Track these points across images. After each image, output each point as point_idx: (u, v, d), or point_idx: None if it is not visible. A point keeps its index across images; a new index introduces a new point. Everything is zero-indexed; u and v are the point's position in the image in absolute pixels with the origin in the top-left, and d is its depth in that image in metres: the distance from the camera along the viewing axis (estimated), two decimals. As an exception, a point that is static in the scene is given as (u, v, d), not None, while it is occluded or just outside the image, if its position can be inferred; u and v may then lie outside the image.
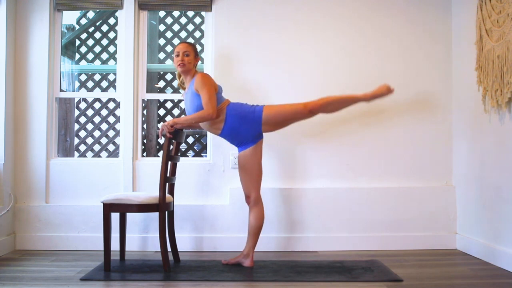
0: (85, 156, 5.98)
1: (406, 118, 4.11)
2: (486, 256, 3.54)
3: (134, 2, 4.09)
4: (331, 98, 3.44)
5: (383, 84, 3.56)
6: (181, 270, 3.29)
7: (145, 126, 5.73)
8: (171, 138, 3.29)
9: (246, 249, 3.40)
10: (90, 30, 6.03)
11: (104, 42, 5.98)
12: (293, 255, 3.79)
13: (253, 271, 3.25)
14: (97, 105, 6.04)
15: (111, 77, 6.14)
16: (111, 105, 5.99)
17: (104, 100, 6.02)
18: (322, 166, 4.06)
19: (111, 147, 5.99)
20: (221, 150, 4.03)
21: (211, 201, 4.04)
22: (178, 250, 3.57)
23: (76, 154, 6.01)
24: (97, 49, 6.02)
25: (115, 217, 3.56)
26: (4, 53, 3.85)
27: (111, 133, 6.00)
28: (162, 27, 5.97)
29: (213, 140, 4.06)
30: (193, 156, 5.96)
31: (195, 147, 6.05)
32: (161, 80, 6.08)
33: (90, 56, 6.07)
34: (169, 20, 5.92)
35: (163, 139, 3.38)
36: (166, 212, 3.38)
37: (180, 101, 5.91)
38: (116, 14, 4.46)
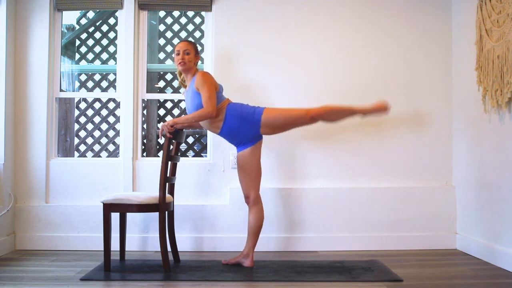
0: (85, 156, 5.98)
1: (406, 118, 4.11)
2: (486, 256, 3.54)
3: (134, 2, 4.09)
4: (333, 107, 3.42)
5: (382, 100, 3.55)
6: (181, 270, 3.29)
7: (145, 126, 5.73)
8: (171, 138, 3.29)
9: (246, 249, 3.40)
10: (90, 30, 6.03)
11: (104, 42, 5.98)
12: (293, 255, 3.79)
13: (253, 271, 3.25)
14: (97, 105, 6.04)
15: (111, 77, 6.14)
16: (111, 105, 5.99)
17: (104, 100, 6.02)
18: (322, 166, 4.06)
19: (111, 147, 5.99)
20: (221, 150, 4.03)
21: (211, 201, 4.04)
22: (178, 250, 3.57)
23: (76, 154, 6.01)
24: (97, 49, 6.02)
25: (115, 217, 3.56)
26: (4, 53, 3.85)
27: (111, 133, 6.00)
28: (162, 27, 5.96)
29: (213, 140, 4.06)
30: (193, 156, 5.96)
31: (195, 147, 6.05)
32: (161, 80, 6.08)
33: (90, 56, 6.07)
34: (169, 20, 5.92)
35: (163, 139, 3.38)
36: (166, 212, 3.38)
37: (180, 101, 5.91)
38: (116, 14, 4.46)
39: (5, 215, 3.80)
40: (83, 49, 6.08)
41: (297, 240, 3.98)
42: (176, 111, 5.99)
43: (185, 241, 3.91)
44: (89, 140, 6.07)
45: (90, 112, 6.05)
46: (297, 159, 4.06)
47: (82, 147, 6.08)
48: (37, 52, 4.03)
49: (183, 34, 5.86)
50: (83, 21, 6.26)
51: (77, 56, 6.12)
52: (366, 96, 4.09)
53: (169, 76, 6.02)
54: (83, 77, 6.25)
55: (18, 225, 3.97)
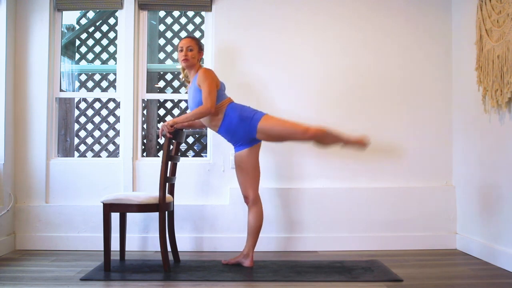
0: (85, 156, 5.98)
1: (406, 118, 4.12)
2: (486, 256, 3.54)
3: (134, 2, 4.09)
4: (329, 131, 3.31)
5: (365, 135, 3.43)
6: (181, 270, 3.29)
7: (145, 126, 5.73)
8: (171, 138, 3.29)
9: (245, 249, 3.40)
10: (90, 30, 6.03)
11: (104, 42, 5.98)
12: (293, 255, 3.79)
13: (253, 271, 3.25)
14: (97, 105, 6.04)
15: (111, 77, 6.14)
16: (111, 105, 5.99)
17: (104, 100, 6.02)
18: (322, 166, 4.06)
19: (111, 147, 5.99)
20: (221, 150, 4.03)
21: (211, 201, 4.04)
22: (178, 250, 3.57)
23: (76, 154, 6.00)
24: (97, 49, 6.02)
25: (115, 217, 3.56)
26: (4, 53, 3.86)
27: (111, 133, 5.99)
28: (162, 27, 5.96)
29: (213, 140, 4.06)
30: (193, 156, 5.96)
31: (195, 147, 6.05)
32: (161, 80, 6.07)
33: (90, 56, 6.07)
34: (169, 20, 5.91)
35: (163, 139, 3.38)
36: (166, 212, 3.38)
37: (180, 101, 5.91)
38: (116, 14, 4.46)
39: (5, 215, 3.80)
40: (83, 49, 6.08)
41: (297, 240, 3.98)
42: (176, 111, 5.99)
43: (185, 241, 3.91)
44: (89, 140, 6.06)
45: (90, 112, 6.05)
46: (297, 159, 4.06)
47: (82, 147, 6.08)
48: (37, 52, 4.03)
49: (183, 34, 5.86)
50: (83, 21, 6.26)
51: (77, 56, 6.11)
52: (366, 96, 4.11)
53: (169, 76, 6.01)
54: (83, 77, 6.25)
55: (18, 225, 3.97)
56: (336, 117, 4.07)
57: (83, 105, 6.12)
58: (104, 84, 6.11)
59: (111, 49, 5.99)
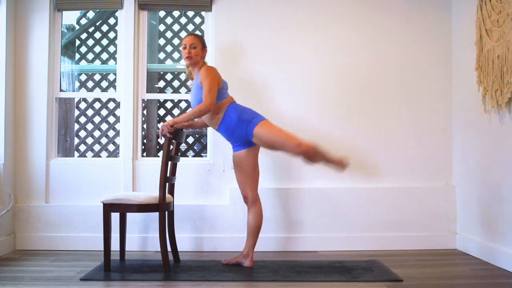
0: (85, 156, 5.98)
1: (406, 118, 4.12)
2: (486, 256, 3.54)
3: (134, 2, 4.09)
4: (319, 148, 3.27)
5: (346, 157, 3.38)
6: (181, 270, 3.29)
7: (145, 126, 5.73)
8: (171, 138, 3.29)
9: (245, 249, 3.40)
10: (90, 30, 6.03)
11: (104, 42, 5.98)
12: (293, 255, 3.79)
13: (253, 271, 3.25)
14: (97, 105, 6.04)
15: (111, 77, 6.14)
16: (111, 105, 5.99)
17: (104, 100, 6.02)
18: (322, 166, 4.04)
19: (111, 147, 5.99)
20: (221, 150, 4.03)
21: (211, 201, 4.04)
22: (178, 250, 3.57)
23: (76, 154, 6.00)
24: (97, 49, 6.02)
25: (115, 217, 3.56)
26: (4, 53, 3.85)
27: (111, 133, 5.99)
28: (162, 27, 5.96)
29: (213, 140, 4.06)
30: (193, 156, 5.96)
31: (195, 147, 6.05)
32: (161, 80, 6.08)
33: (90, 56, 6.07)
34: (169, 20, 5.91)
35: (163, 139, 3.38)
36: (166, 212, 3.38)
37: (180, 101, 5.92)
38: (116, 14, 4.46)
39: (5, 215, 3.80)
40: (83, 49, 6.08)
41: (297, 240, 3.98)
42: (176, 111, 5.99)
43: (185, 241, 3.91)
44: (89, 140, 6.06)
45: (90, 112, 6.05)
46: (297, 159, 4.05)
47: (82, 147, 6.08)
48: (37, 52, 4.03)
49: (183, 34, 5.86)
50: (83, 21, 6.26)
51: (77, 56, 6.12)
52: (366, 96, 4.10)
53: (169, 76, 6.01)
54: (83, 77, 6.25)
55: (18, 225, 3.97)
56: (336, 117, 4.08)
57: (83, 105, 6.12)
58: (104, 84, 6.12)
59: (111, 49, 5.99)
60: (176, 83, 5.93)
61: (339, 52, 4.12)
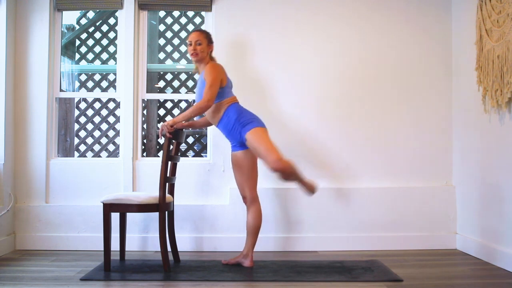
0: (85, 156, 5.98)
1: (406, 118, 4.11)
2: (486, 256, 3.54)
3: (134, 2, 4.09)
4: (295, 169, 3.21)
5: (315, 182, 3.37)
6: (181, 270, 3.29)
7: (145, 126, 5.73)
8: (171, 138, 3.29)
9: (245, 249, 3.40)
10: (90, 30, 6.03)
11: (104, 42, 5.98)
12: (293, 255, 3.79)
13: (253, 271, 3.25)
14: (97, 105, 6.04)
15: (111, 77, 6.14)
16: (111, 105, 5.99)
17: (104, 100, 6.02)
18: (322, 166, 4.05)
19: (111, 147, 5.99)
20: (221, 150, 4.03)
21: (211, 201, 4.04)
22: (178, 250, 3.57)
23: (76, 154, 6.00)
24: (97, 49, 6.02)
25: (115, 217, 3.56)
26: (4, 53, 3.85)
27: (111, 133, 6.00)
28: (162, 27, 5.96)
29: (213, 140, 4.06)
30: (193, 156, 5.96)
31: (195, 147, 6.05)
32: (161, 80, 6.08)
33: (90, 56, 6.07)
34: (169, 20, 5.91)
35: (163, 139, 3.38)
36: (166, 212, 3.38)
37: (180, 101, 5.92)
38: (116, 14, 4.46)
39: (5, 215, 3.80)
40: (83, 49, 6.08)
41: (297, 240, 3.98)
42: (176, 111, 5.99)
43: (185, 241, 3.91)
44: (89, 140, 6.06)
45: (90, 112, 6.05)
46: (296, 159, 4.05)
47: (82, 147, 6.08)
48: (37, 52, 4.03)
49: (183, 34, 5.86)
50: (83, 21, 6.26)
51: (77, 56, 6.11)
52: (365, 96, 4.10)
53: (169, 76, 6.01)
54: (83, 77, 6.25)
55: (18, 225, 3.97)
56: (336, 116, 4.08)
57: (83, 105, 6.12)
58: (104, 84, 6.11)
59: (111, 49, 5.99)
60: (176, 83, 5.93)
61: (339, 52, 4.12)
